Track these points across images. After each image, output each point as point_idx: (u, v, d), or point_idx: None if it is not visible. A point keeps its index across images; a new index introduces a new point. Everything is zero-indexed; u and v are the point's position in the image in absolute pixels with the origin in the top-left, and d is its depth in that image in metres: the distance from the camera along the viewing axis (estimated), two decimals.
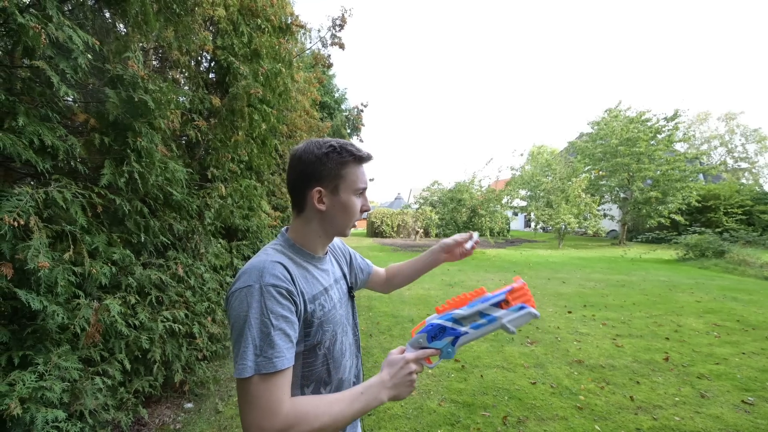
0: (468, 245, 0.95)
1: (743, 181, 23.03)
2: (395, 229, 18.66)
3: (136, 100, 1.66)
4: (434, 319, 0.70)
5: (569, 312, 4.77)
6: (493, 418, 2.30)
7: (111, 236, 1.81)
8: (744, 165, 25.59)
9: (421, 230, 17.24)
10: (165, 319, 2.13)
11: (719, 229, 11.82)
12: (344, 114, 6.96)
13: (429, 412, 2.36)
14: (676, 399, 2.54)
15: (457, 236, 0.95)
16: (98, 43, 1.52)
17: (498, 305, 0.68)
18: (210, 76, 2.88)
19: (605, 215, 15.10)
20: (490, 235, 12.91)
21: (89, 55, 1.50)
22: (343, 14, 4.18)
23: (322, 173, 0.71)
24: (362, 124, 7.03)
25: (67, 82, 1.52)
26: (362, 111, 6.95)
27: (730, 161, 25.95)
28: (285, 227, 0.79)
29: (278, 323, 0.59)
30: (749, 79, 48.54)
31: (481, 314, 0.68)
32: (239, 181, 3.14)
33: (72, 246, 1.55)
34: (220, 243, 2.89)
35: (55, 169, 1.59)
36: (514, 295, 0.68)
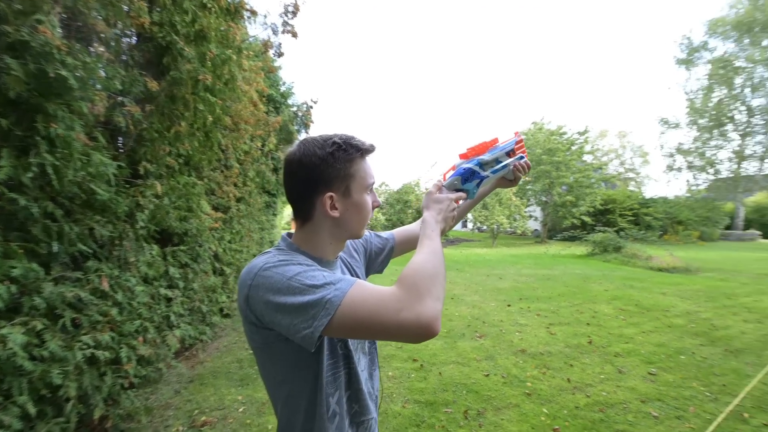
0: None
1: (631, 188, 27.76)
2: None
3: (52, 75, 1.32)
4: (464, 163, 0.79)
5: (509, 305, 5.20)
6: (455, 413, 2.37)
7: (9, 246, 1.42)
8: (632, 175, 30.98)
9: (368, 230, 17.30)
10: (84, 346, 1.75)
11: (616, 228, 14.03)
12: (292, 109, 6.62)
13: (394, 415, 2.34)
14: (602, 377, 2.92)
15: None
16: None
17: (507, 154, 0.82)
18: (141, 55, 2.47)
19: (531, 216, 16.91)
20: None
21: None
22: (296, 0, 3.95)
23: (330, 176, 0.64)
24: (311, 121, 6.78)
25: None
26: (311, 107, 6.69)
27: (622, 171, 31.15)
28: (286, 232, 0.71)
29: (307, 271, 0.56)
30: (638, 103, 59.78)
31: (496, 161, 0.81)
32: (177, 178, 2.77)
33: None
34: (153, 249, 2.50)
35: None
36: (519, 145, 0.83)
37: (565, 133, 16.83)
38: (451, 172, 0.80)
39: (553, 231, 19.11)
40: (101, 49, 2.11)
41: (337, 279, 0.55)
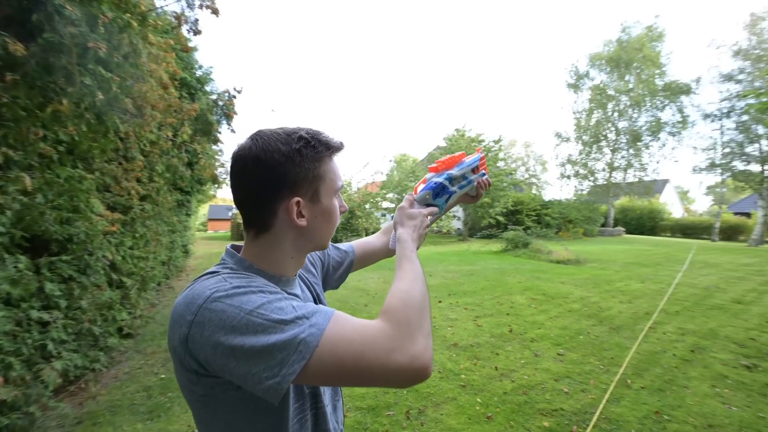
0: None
1: (534, 191, 32.15)
2: None
3: None
4: (435, 177, 0.79)
5: (440, 302, 5.47)
6: (397, 415, 2.37)
7: None
8: (534, 180, 35.96)
9: None
10: None
11: (524, 227, 16.05)
12: (211, 97, 5.91)
13: None
14: (522, 362, 3.25)
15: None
16: None
17: (472, 170, 0.83)
18: None
19: (454, 216, 18.25)
20: (366, 235, 13.61)
21: None
22: None
23: (297, 177, 0.53)
24: (235, 113, 6.16)
25: None
26: (235, 97, 6.08)
27: (527, 177, 35.91)
28: (230, 244, 0.57)
29: (272, 302, 0.45)
30: (540, 118, 70.82)
31: (463, 176, 0.81)
32: (56, 170, 2.20)
33: None
34: (19, 261, 1.92)
35: None
36: (481, 162, 0.85)
37: (483, 141, 18.59)
38: (422, 186, 0.77)
39: (473, 230, 20.94)
40: None
41: (311, 311, 0.44)
